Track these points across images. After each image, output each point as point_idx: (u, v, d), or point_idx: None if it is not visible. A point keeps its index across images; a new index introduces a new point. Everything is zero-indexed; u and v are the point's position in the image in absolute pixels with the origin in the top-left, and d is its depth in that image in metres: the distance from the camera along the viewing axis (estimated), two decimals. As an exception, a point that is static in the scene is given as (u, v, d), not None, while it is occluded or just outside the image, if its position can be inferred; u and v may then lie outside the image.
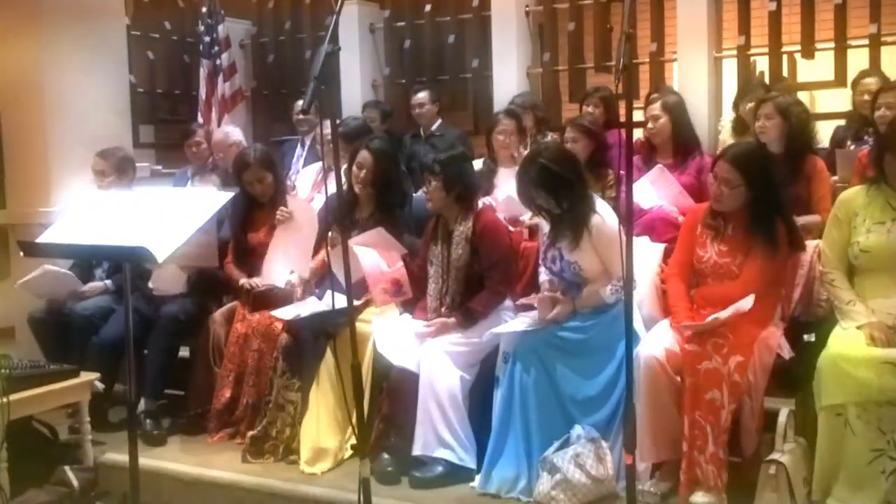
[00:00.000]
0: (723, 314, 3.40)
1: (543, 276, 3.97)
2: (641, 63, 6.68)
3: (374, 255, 4.10)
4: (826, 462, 3.23)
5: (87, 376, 4.24)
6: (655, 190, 4.62)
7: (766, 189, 3.57)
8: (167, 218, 2.79)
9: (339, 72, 7.23)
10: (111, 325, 4.70)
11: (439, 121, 6.53)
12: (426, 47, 7.52)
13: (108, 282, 4.95)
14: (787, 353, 3.59)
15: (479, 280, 4.09)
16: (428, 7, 7.63)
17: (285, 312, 4.30)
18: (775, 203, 3.61)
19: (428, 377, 3.89)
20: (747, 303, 3.39)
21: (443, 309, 4.11)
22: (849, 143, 5.12)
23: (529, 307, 3.90)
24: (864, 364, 3.15)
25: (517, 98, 6.02)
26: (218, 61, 7.37)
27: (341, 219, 4.11)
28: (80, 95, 5.87)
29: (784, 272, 3.67)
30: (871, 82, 5.24)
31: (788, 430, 3.42)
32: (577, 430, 3.53)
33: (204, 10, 7.44)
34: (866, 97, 5.11)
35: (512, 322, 3.89)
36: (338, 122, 5.39)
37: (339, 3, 2.84)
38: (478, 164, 5.22)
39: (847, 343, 3.25)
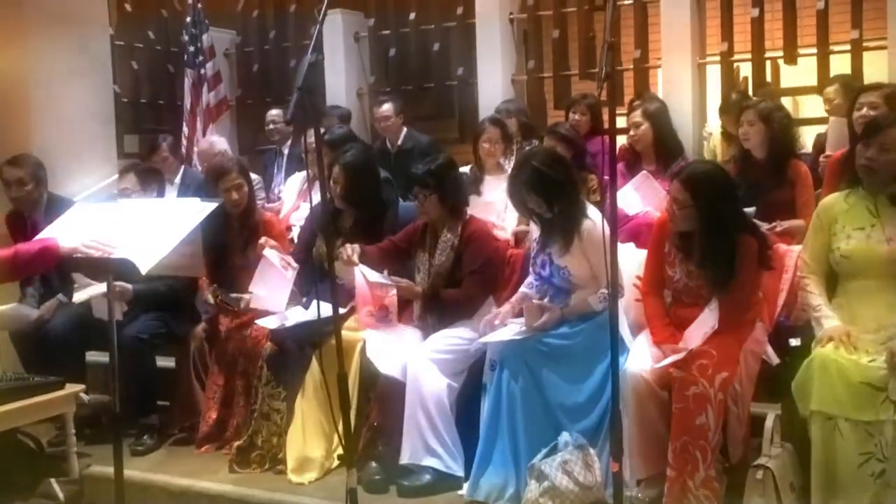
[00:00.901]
0: (692, 343, 3.40)
1: (524, 287, 3.99)
2: (626, 70, 6.71)
3: (374, 276, 4.04)
4: (822, 467, 3.20)
5: (72, 388, 4.21)
6: (640, 196, 4.64)
7: (718, 212, 3.50)
8: (150, 229, 2.78)
9: (324, 81, 7.25)
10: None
11: (405, 130, 6.47)
12: (411, 55, 7.54)
13: (61, 296, 4.79)
14: (773, 359, 3.60)
15: (458, 284, 4.11)
16: (412, 15, 7.66)
17: (270, 321, 4.28)
18: (734, 223, 3.55)
19: (415, 385, 3.88)
20: (712, 320, 3.40)
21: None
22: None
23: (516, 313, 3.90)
24: (843, 382, 3.15)
25: (503, 104, 6.02)
26: (203, 71, 7.37)
27: (326, 227, 4.08)
28: (64, 105, 5.85)
29: (758, 283, 3.65)
30: (832, 90, 5.25)
31: (775, 435, 3.42)
32: (565, 437, 3.52)
33: (188, 19, 7.44)
34: (865, 111, 5.11)
35: (500, 330, 3.88)
36: (323, 130, 5.39)
37: (321, 13, 2.84)
38: (464, 171, 5.22)
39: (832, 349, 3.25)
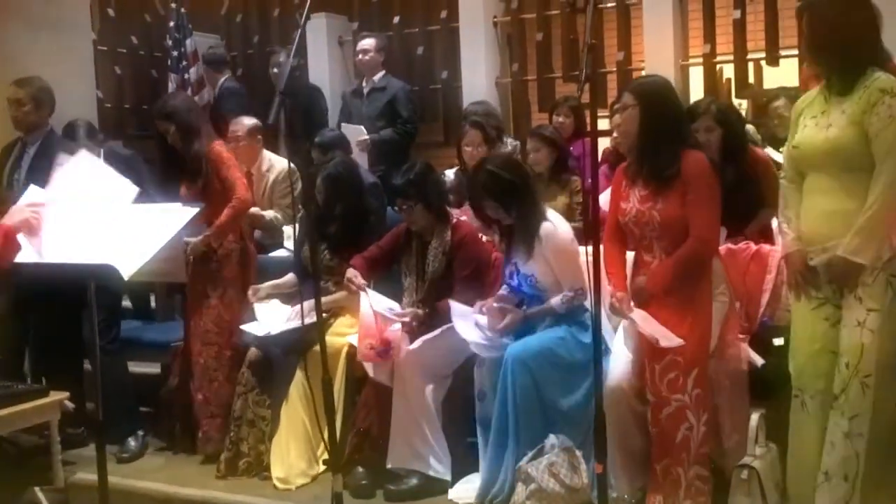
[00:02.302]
0: (663, 343, 3.30)
1: (503, 292, 3.92)
2: (609, 72, 6.74)
3: (381, 304, 3.99)
4: (796, 456, 3.20)
5: (56, 395, 4.19)
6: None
7: (660, 115, 3.39)
8: (132, 234, 2.76)
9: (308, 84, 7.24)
10: None
11: (383, 72, 6.45)
12: (395, 59, 7.53)
13: None
14: (758, 361, 3.60)
15: (451, 289, 4.08)
16: (396, 19, 7.67)
17: (255, 327, 4.26)
18: (678, 133, 3.44)
19: (402, 390, 3.88)
20: (673, 341, 3.30)
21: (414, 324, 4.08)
22: None
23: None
24: (806, 349, 3.15)
25: (471, 106, 6.00)
26: (186, 76, 7.34)
27: (311, 234, 4.07)
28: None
29: (712, 224, 3.46)
30: (781, 104, 5.19)
31: (760, 435, 3.43)
32: (552, 439, 3.52)
33: (172, 24, 7.42)
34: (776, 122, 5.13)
35: (467, 328, 3.79)
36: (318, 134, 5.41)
37: (303, 18, 2.84)
38: (450, 175, 5.23)
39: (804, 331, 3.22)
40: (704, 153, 3.58)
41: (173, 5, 7.35)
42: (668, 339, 3.28)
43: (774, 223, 4.01)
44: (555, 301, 3.69)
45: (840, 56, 3.05)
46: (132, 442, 4.59)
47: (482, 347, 3.74)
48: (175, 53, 7.29)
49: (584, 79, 2.34)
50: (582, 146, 5.34)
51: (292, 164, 5.06)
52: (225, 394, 4.36)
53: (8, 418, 3.98)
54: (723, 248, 3.87)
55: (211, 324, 4.42)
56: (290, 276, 4.49)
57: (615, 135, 4.97)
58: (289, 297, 4.40)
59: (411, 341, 4.02)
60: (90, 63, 6.38)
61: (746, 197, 4.03)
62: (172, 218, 2.81)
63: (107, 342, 4.49)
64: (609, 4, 6.68)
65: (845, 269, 2.99)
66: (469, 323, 3.78)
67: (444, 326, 3.89)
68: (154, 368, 4.89)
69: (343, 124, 6.27)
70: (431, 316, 3.95)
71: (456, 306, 3.81)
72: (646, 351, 3.37)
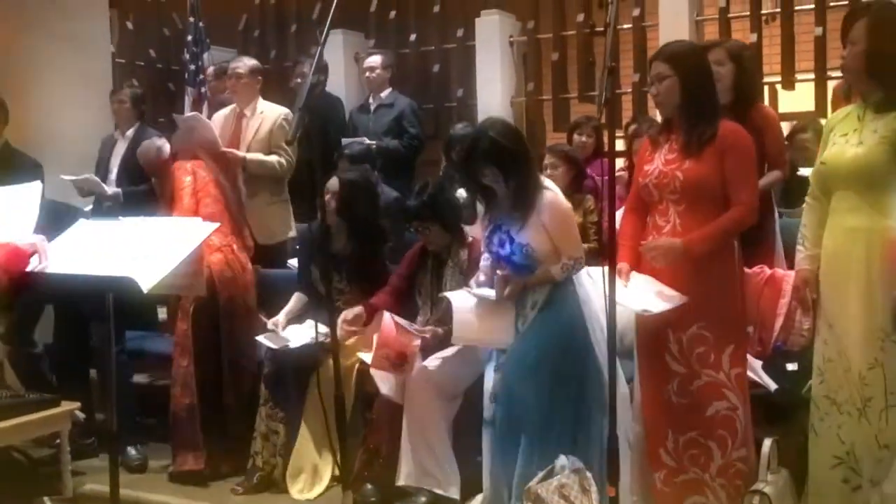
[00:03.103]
0: (654, 308, 3.23)
1: (485, 262, 3.81)
2: (624, 93, 6.75)
3: (403, 320, 3.98)
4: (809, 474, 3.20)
5: (67, 406, 4.19)
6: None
7: (698, 85, 3.35)
8: (153, 247, 2.78)
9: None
10: None
11: (389, 89, 6.46)
12: (411, 76, 7.57)
13: None
14: (771, 386, 3.59)
15: None
16: (413, 36, 7.71)
17: (272, 338, 4.23)
18: (714, 107, 3.41)
19: (413, 407, 3.87)
20: (673, 300, 3.25)
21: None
22: None
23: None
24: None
25: (459, 129, 5.77)
26: (203, 89, 7.36)
27: (318, 251, 4.06)
28: (66, 123, 5.86)
29: (755, 192, 3.37)
30: (808, 137, 5.06)
31: (772, 461, 3.42)
32: (562, 460, 3.50)
33: (189, 38, 7.45)
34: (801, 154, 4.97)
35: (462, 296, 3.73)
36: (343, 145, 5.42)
37: (324, 35, 2.86)
38: (462, 192, 5.22)
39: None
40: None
41: (191, 19, 7.39)
42: (666, 299, 3.23)
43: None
44: (554, 269, 3.56)
45: None
46: (132, 451, 4.60)
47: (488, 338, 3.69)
48: (192, 67, 7.31)
49: (604, 101, 2.35)
50: (601, 166, 5.33)
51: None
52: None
53: (18, 428, 3.97)
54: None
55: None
56: (298, 297, 4.45)
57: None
58: (301, 319, 4.40)
59: (423, 359, 4.02)
60: (108, 75, 6.43)
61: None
62: (193, 232, 2.83)
63: (115, 352, 4.50)
64: (625, 26, 6.70)
65: None
66: (469, 312, 3.69)
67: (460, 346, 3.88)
68: (164, 380, 4.89)
69: (343, 139, 6.27)
70: (450, 335, 3.93)
71: (454, 296, 3.74)
72: (666, 320, 3.28)
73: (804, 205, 3.29)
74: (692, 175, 3.29)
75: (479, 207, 3.77)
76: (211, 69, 6.39)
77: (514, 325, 3.62)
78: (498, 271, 3.63)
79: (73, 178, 5.39)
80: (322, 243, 3.82)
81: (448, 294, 3.77)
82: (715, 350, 3.28)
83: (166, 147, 5.30)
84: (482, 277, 3.77)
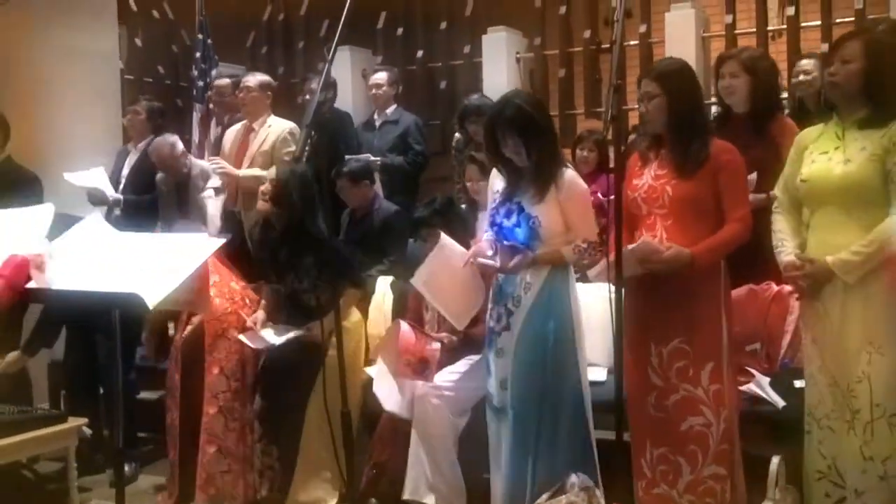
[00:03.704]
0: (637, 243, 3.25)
1: (487, 236, 3.70)
2: (631, 109, 6.75)
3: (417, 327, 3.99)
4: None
5: (74, 422, 4.19)
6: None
7: (687, 103, 3.35)
8: (158, 263, 2.78)
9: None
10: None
11: (394, 105, 6.46)
12: (418, 93, 7.59)
13: None
14: (779, 403, 3.58)
15: (477, 320, 3.96)
16: (420, 53, 7.73)
17: (253, 339, 4.19)
18: (703, 124, 3.43)
19: (421, 422, 3.87)
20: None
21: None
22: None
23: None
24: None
25: (474, 100, 5.78)
26: (211, 106, 7.41)
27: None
28: (74, 138, 5.89)
29: (749, 211, 3.35)
30: (810, 64, 5.06)
31: (780, 478, 3.40)
32: (572, 478, 3.48)
33: (197, 54, 7.50)
34: (801, 77, 4.99)
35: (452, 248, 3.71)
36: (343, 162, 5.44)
37: (332, 53, 2.87)
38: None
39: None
40: (727, 100, 3.69)
41: (200, 36, 7.44)
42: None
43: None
44: (566, 249, 3.50)
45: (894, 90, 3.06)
46: (126, 467, 4.60)
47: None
48: (200, 84, 7.36)
49: (610, 118, 2.36)
50: (606, 181, 5.30)
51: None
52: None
53: (26, 443, 3.97)
54: (744, 288, 3.87)
55: None
56: (269, 290, 4.40)
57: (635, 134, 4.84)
58: (276, 311, 4.37)
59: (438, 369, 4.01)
60: (117, 92, 6.47)
61: (762, 157, 3.82)
62: (199, 248, 2.83)
63: (123, 369, 4.52)
64: (631, 42, 6.72)
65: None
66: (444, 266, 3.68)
67: (469, 359, 3.88)
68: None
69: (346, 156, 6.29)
70: (464, 342, 3.93)
71: (445, 241, 3.74)
72: (650, 333, 3.34)
73: (775, 215, 3.33)
74: (681, 191, 3.31)
75: (495, 179, 3.68)
76: (227, 81, 6.41)
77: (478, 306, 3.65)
78: (504, 242, 3.52)
79: (76, 175, 5.44)
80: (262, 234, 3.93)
81: (444, 237, 3.73)
82: (694, 365, 3.29)
83: (179, 144, 5.35)
84: (486, 249, 3.64)
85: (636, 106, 6.60)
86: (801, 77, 5.03)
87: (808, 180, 3.18)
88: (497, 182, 3.65)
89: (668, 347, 3.32)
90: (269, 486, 4.19)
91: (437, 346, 3.89)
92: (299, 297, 4.23)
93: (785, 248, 3.25)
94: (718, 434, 3.28)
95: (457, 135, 5.82)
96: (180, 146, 5.35)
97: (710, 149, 3.32)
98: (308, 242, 4.19)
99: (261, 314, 4.34)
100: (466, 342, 3.97)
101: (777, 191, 3.37)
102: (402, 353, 3.84)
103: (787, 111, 4.89)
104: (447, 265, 3.66)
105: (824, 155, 3.16)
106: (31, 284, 2.88)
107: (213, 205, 5.36)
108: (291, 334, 4.11)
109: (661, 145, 3.42)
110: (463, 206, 5.21)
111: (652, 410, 3.35)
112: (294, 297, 4.25)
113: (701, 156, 3.30)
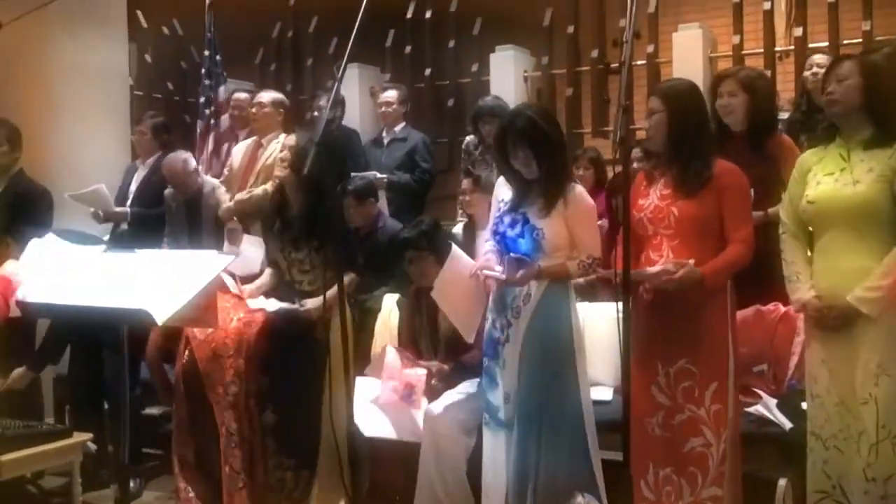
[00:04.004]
0: (650, 269, 3.26)
1: (488, 248, 3.69)
2: (638, 129, 6.76)
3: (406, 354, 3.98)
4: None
5: (79, 437, 4.19)
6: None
7: (686, 120, 3.35)
8: (168, 279, 2.79)
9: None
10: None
11: (403, 123, 6.47)
12: (426, 111, 7.61)
13: None
14: (786, 425, 3.56)
15: (465, 345, 3.95)
16: (428, 71, 7.76)
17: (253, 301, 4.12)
18: (708, 144, 3.41)
19: (433, 443, 3.83)
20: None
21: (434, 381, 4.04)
22: (802, 139, 4.84)
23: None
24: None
25: (488, 100, 5.81)
26: (212, 121, 7.39)
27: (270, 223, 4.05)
28: (85, 154, 5.92)
29: (752, 232, 3.36)
30: (823, 58, 5.09)
31: (787, 500, 3.39)
32: (578, 498, 3.46)
33: (203, 71, 7.51)
34: (814, 69, 5.04)
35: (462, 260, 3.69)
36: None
37: (341, 71, 2.88)
38: (458, 230, 5.22)
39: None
40: (725, 119, 3.67)
41: (206, 53, 7.47)
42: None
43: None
44: (571, 264, 3.48)
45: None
46: (130, 483, 4.60)
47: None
48: (202, 100, 7.35)
49: (619, 140, 2.36)
50: (604, 201, 5.29)
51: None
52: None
53: (30, 459, 3.97)
54: (751, 309, 3.86)
55: None
56: (271, 273, 4.30)
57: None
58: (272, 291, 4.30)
59: (430, 401, 3.97)
60: (126, 108, 6.50)
61: (761, 175, 3.78)
62: (208, 265, 2.84)
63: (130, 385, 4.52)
64: (639, 62, 6.73)
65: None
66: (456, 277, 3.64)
67: (475, 381, 3.88)
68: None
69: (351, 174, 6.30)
70: (455, 371, 3.92)
71: (456, 253, 3.72)
72: (657, 353, 3.34)
73: (783, 242, 3.31)
74: (686, 211, 3.32)
75: (501, 189, 3.65)
76: (245, 95, 6.45)
77: (479, 318, 3.63)
78: (511, 254, 3.49)
79: (79, 193, 5.43)
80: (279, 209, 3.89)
81: (455, 248, 3.72)
82: (699, 386, 3.28)
83: (192, 161, 5.37)
84: (493, 263, 3.60)
85: (643, 126, 6.66)
86: (815, 69, 5.06)
87: (816, 202, 3.17)
88: (503, 191, 3.64)
89: (675, 367, 3.31)
90: (286, 499, 4.12)
91: (423, 373, 3.87)
92: (297, 277, 4.13)
93: (801, 283, 3.20)
94: (718, 455, 3.27)
95: (469, 137, 5.80)
96: (193, 163, 5.36)
97: (714, 169, 3.32)
98: (317, 220, 4.05)
99: (251, 288, 4.24)
100: (458, 369, 3.94)
101: (782, 214, 3.36)
102: (387, 379, 3.84)
103: (790, 114, 4.98)
104: (457, 275, 3.65)
105: (830, 176, 3.15)
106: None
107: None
108: (286, 305, 4.02)
109: (666, 165, 3.43)
110: (459, 227, 5.21)
111: (658, 430, 3.34)
112: (292, 275, 4.14)
113: (703, 175, 3.31)
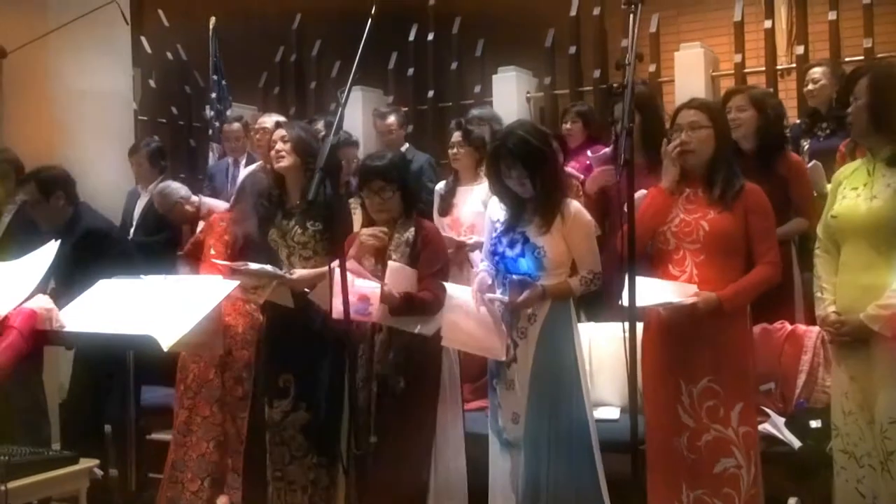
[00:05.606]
0: (669, 297, 3.21)
1: (483, 269, 3.63)
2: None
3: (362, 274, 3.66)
4: None
5: (86, 463, 4.18)
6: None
7: (729, 136, 3.38)
8: (173, 305, 2.80)
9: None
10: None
11: (407, 145, 6.46)
12: (428, 132, 7.63)
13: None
14: (795, 443, 3.54)
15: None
16: (431, 93, 7.78)
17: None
18: (734, 157, 3.44)
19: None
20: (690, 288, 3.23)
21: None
22: (803, 142, 4.96)
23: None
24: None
25: (475, 111, 5.85)
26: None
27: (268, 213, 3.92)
28: (90, 179, 5.91)
29: (778, 252, 3.36)
30: (818, 72, 5.15)
31: (797, 520, 3.37)
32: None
33: (213, 95, 7.56)
34: (810, 86, 5.11)
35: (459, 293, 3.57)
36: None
37: (345, 95, 2.89)
38: (440, 186, 5.19)
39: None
40: (733, 133, 3.61)
41: (214, 77, 7.52)
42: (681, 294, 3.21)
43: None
44: (573, 281, 3.48)
45: None
46: None
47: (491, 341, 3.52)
48: (217, 124, 7.40)
49: (623, 163, 2.36)
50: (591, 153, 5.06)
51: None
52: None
53: (37, 486, 3.95)
54: (757, 327, 3.85)
55: None
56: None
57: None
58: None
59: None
60: (130, 132, 6.53)
61: (770, 195, 3.68)
62: (212, 290, 2.84)
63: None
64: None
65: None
66: (468, 313, 3.52)
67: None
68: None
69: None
70: (403, 302, 3.61)
71: (451, 288, 3.58)
72: (679, 372, 3.28)
73: (816, 258, 3.28)
74: (717, 226, 3.27)
75: (495, 209, 3.61)
76: (237, 126, 6.47)
77: (507, 335, 3.51)
78: (513, 276, 3.46)
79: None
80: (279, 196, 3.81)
81: (447, 285, 3.60)
82: (725, 405, 3.24)
83: (177, 192, 5.32)
84: (488, 281, 3.55)
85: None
86: (811, 86, 5.07)
87: (838, 217, 3.16)
88: (495, 211, 3.62)
89: (699, 386, 3.26)
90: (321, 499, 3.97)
91: (376, 284, 3.56)
92: (297, 265, 3.93)
93: (824, 299, 3.18)
94: (750, 478, 3.23)
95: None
96: (178, 193, 5.28)
97: (743, 188, 3.32)
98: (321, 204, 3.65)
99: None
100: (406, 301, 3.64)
101: (818, 230, 3.31)
102: (338, 294, 3.38)
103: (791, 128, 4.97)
104: (461, 312, 3.56)
105: (854, 191, 3.14)
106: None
107: None
108: (269, 267, 3.78)
109: (690, 180, 3.37)
110: (442, 183, 5.17)
111: (685, 451, 3.28)
112: (291, 263, 3.95)
113: (736, 187, 3.30)
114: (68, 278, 3.66)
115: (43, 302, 2.97)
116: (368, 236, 3.70)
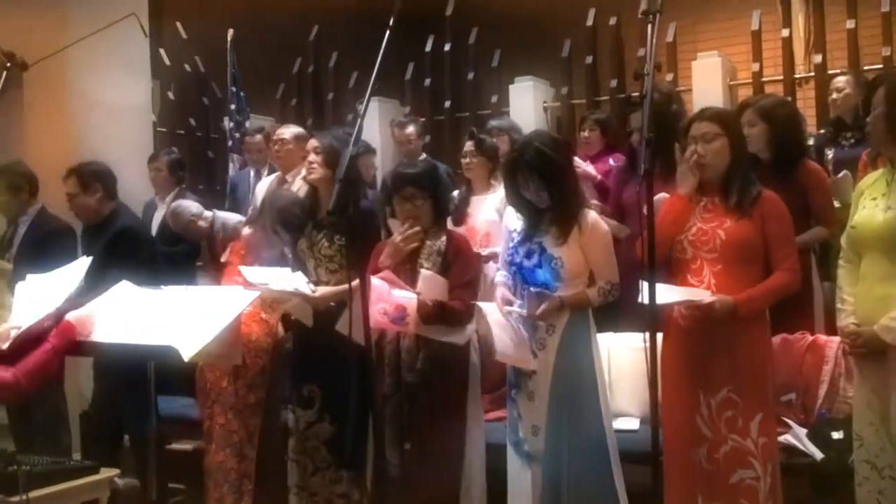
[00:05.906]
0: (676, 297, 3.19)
1: (500, 279, 3.65)
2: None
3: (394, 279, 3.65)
4: None
5: (106, 473, 4.19)
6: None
7: (744, 144, 3.37)
8: (193, 315, 2.81)
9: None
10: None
11: (424, 155, 6.45)
12: (446, 142, 7.65)
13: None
14: (817, 455, 3.51)
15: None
16: (447, 103, 7.80)
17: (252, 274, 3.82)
18: (751, 165, 3.41)
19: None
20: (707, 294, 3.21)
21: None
22: (827, 151, 4.93)
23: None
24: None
25: (493, 122, 5.85)
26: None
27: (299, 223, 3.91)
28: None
29: (797, 260, 3.35)
30: (842, 81, 5.15)
31: (820, 532, 3.34)
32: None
33: (233, 106, 7.59)
34: (835, 95, 5.10)
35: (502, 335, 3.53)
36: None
37: (364, 106, 2.91)
38: (454, 194, 5.14)
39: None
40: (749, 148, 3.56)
41: (233, 88, 7.56)
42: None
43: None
44: (591, 292, 3.48)
45: None
46: None
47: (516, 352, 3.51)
48: (237, 135, 7.43)
49: (643, 173, 2.36)
50: (609, 163, 5.13)
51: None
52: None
53: (58, 495, 3.95)
54: (777, 337, 3.82)
55: None
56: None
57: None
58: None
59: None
60: (149, 144, 6.56)
61: (790, 204, 3.64)
62: (233, 301, 2.86)
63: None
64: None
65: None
66: (503, 327, 3.51)
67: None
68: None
69: None
70: (434, 310, 3.59)
71: (486, 307, 3.56)
72: (698, 382, 3.26)
73: (839, 268, 3.25)
74: (735, 234, 3.25)
75: (511, 219, 3.63)
76: (259, 137, 6.52)
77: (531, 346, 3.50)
78: (531, 288, 3.47)
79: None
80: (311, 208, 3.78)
81: (480, 304, 3.59)
82: (743, 416, 3.22)
83: (189, 209, 5.27)
84: (508, 295, 3.55)
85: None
86: (835, 95, 5.06)
87: (856, 227, 3.13)
88: (512, 220, 3.63)
89: (717, 397, 3.24)
90: None
91: (412, 295, 3.56)
92: (323, 277, 3.94)
93: (844, 310, 3.16)
94: (766, 489, 3.21)
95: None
96: (189, 211, 5.27)
97: (760, 196, 3.30)
98: (350, 218, 3.72)
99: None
100: (438, 309, 3.62)
101: (842, 240, 3.28)
102: (374, 303, 3.51)
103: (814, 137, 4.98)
104: (497, 326, 3.54)
105: (873, 201, 3.10)
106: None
107: None
108: (289, 287, 3.77)
109: (706, 189, 3.35)
110: (456, 192, 5.12)
111: (704, 463, 3.26)
112: (318, 274, 3.95)
113: (753, 194, 3.28)
114: (97, 272, 3.67)
115: (83, 312, 2.99)
116: (403, 241, 3.67)
